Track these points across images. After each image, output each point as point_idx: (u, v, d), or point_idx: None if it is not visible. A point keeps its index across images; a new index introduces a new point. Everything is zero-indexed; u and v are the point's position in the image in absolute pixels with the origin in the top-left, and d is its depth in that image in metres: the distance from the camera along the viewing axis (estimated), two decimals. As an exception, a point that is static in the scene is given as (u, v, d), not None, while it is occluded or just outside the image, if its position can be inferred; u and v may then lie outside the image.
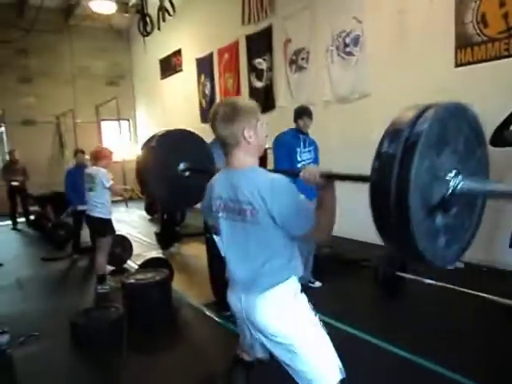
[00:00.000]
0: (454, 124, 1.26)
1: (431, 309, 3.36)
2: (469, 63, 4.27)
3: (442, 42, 4.50)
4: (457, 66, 4.37)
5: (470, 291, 3.24)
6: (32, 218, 8.19)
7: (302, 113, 3.86)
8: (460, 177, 1.25)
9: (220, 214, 1.59)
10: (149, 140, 2.31)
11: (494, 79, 4.10)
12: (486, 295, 3.10)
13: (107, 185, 4.20)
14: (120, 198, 9.00)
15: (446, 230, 1.31)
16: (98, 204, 4.28)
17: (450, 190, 1.25)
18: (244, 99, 1.59)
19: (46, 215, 7.67)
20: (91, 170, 4.35)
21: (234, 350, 1.85)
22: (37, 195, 8.13)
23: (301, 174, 1.51)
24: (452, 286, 3.31)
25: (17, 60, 10.54)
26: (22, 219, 8.38)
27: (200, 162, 2.28)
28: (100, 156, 4.32)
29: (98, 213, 4.30)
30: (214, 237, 3.18)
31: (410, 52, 4.87)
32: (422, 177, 1.16)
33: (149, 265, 4.09)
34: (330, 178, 1.49)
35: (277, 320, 1.53)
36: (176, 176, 2.18)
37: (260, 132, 1.53)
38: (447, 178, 1.25)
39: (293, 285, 1.58)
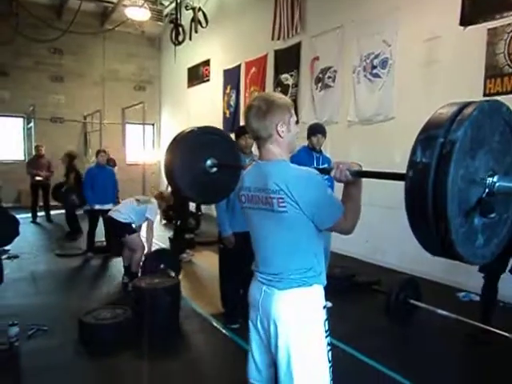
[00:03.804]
0: (488, 124, 1.22)
1: (441, 341, 3.28)
2: (498, 93, 4.21)
3: (472, 70, 4.46)
4: (485, 95, 4.32)
5: (483, 326, 3.15)
6: (52, 212, 8.34)
7: (317, 130, 3.84)
8: (496, 177, 1.22)
9: (248, 205, 1.59)
10: (177, 136, 2.33)
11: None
12: (498, 331, 3.01)
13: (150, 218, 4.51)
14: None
15: (484, 229, 1.28)
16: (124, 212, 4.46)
17: (487, 191, 1.22)
18: (279, 94, 1.60)
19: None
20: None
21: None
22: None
23: (332, 173, 1.50)
24: (466, 319, 3.22)
25: (51, 59, 10.92)
26: (42, 213, 8.56)
27: (227, 158, 2.30)
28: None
29: (121, 218, 4.41)
30: None
31: (438, 78, 4.84)
32: (458, 184, 1.13)
33: (156, 256, 4.36)
34: (360, 175, 1.49)
35: (289, 321, 1.50)
36: (203, 171, 2.22)
37: (293, 128, 1.55)
38: (483, 180, 1.22)
39: (317, 296, 1.56)
